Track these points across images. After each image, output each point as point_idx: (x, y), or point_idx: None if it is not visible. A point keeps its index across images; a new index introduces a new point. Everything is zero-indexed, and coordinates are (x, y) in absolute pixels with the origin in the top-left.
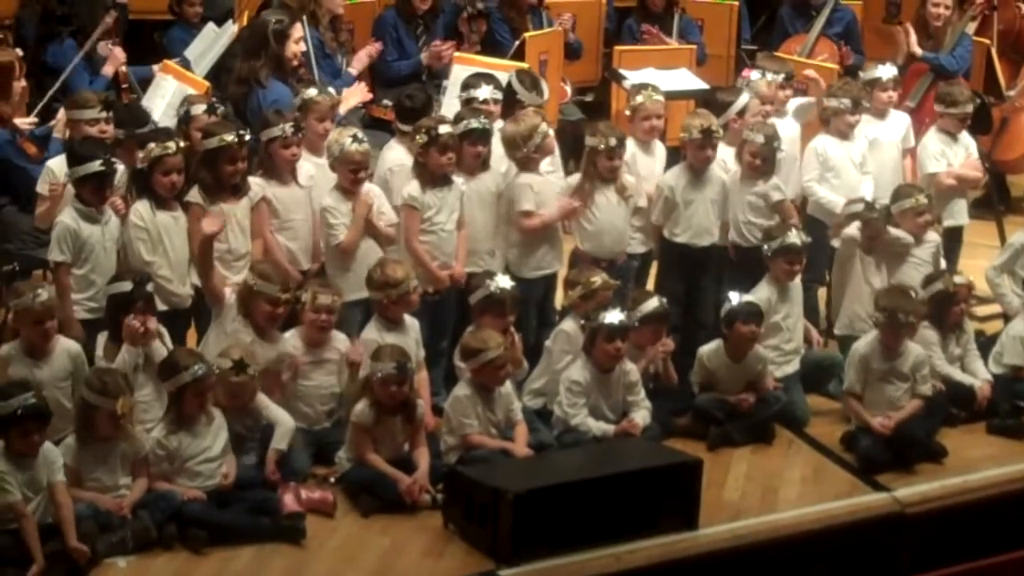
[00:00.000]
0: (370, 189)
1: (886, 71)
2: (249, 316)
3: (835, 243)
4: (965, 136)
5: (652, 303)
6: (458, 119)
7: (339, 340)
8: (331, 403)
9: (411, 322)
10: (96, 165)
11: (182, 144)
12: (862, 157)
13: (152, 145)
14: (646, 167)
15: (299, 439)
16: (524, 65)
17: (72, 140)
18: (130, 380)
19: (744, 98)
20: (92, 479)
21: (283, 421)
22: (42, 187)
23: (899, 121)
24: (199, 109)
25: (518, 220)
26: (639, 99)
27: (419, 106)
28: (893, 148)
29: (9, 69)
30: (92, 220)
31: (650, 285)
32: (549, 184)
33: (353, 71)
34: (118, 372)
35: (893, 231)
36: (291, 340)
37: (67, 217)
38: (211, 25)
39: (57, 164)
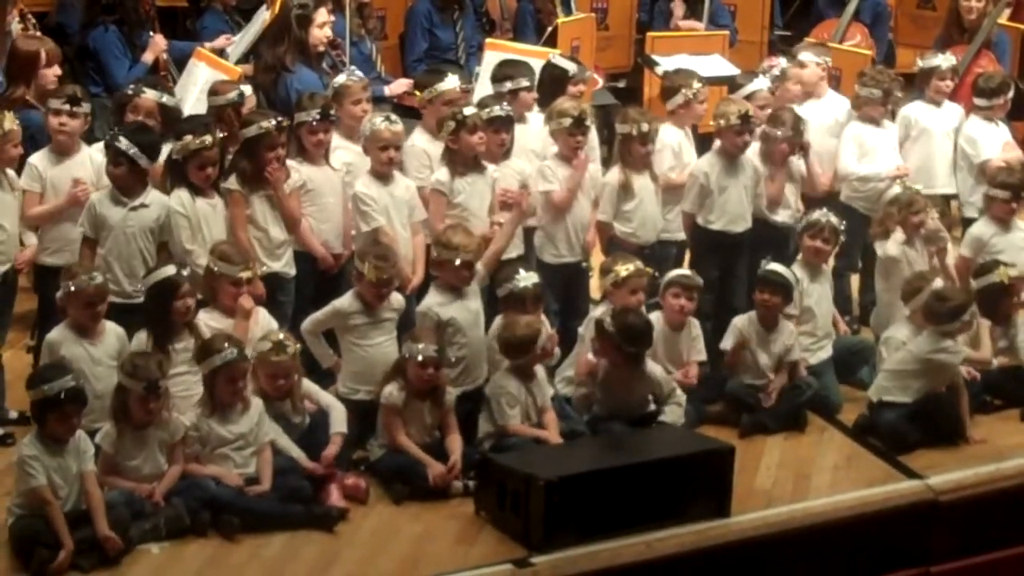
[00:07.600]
0: None
1: (946, 60)
2: (214, 299)
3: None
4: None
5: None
6: (481, 106)
7: (394, 299)
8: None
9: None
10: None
11: (219, 134)
12: (897, 141)
13: (189, 138)
14: (689, 155)
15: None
16: (556, 51)
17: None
18: (164, 365)
19: (757, 82)
20: (131, 466)
21: (336, 406)
22: (26, 182)
23: (952, 112)
24: (250, 90)
25: (541, 200)
26: (697, 85)
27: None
28: (945, 138)
29: (35, 57)
30: (117, 202)
31: None
32: (571, 175)
33: (387, 91)
34: (152, 356)
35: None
36: (347, 302)
37: (95, 196)
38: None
39: (38, 159)
